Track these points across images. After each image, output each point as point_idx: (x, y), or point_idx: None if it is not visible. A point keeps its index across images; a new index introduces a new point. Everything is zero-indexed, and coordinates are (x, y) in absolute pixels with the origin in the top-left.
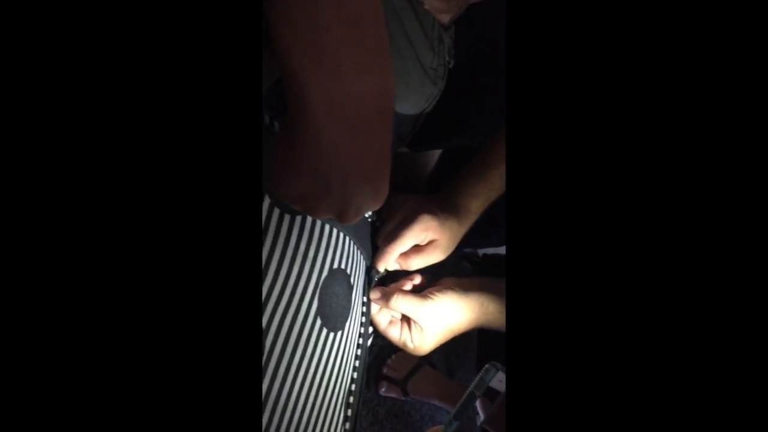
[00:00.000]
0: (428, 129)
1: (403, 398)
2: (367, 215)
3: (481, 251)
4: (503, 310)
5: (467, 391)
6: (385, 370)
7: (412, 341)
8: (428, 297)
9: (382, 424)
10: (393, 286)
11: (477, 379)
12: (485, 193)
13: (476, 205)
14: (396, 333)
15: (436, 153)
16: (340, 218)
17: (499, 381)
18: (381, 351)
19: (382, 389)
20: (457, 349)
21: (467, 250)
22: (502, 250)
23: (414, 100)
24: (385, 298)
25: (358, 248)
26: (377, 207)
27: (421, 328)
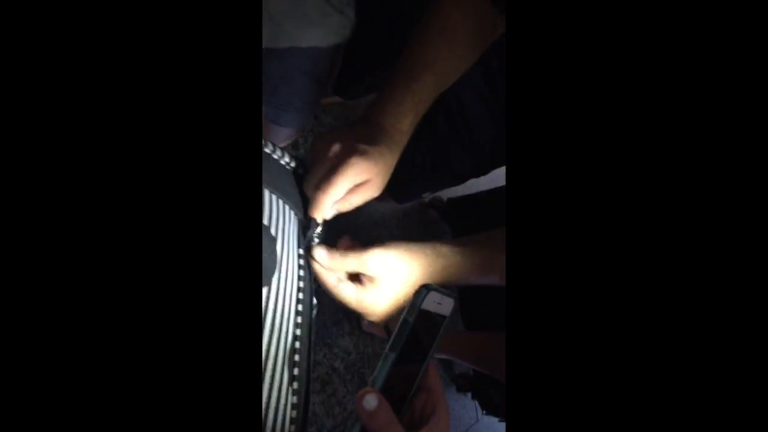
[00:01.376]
0: (352, 70)
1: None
2: (284, 162)
3: (444, 195)
4: (462, 263)
5: (400, 319)
6: None
7: (366, 299)
8: (375, 247)
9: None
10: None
11: (408, 304)
12: (414, 107)
13: (407, 123)
14: (349, 291)
15: None
16: None
17: (436, 303)
18: None
19: (365, 323)
20: None
21: (428, 195)
22: (463, 190)
23: (320, 33)
24: (329, 257)
25: (278, 198)
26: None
27: (373, 282)
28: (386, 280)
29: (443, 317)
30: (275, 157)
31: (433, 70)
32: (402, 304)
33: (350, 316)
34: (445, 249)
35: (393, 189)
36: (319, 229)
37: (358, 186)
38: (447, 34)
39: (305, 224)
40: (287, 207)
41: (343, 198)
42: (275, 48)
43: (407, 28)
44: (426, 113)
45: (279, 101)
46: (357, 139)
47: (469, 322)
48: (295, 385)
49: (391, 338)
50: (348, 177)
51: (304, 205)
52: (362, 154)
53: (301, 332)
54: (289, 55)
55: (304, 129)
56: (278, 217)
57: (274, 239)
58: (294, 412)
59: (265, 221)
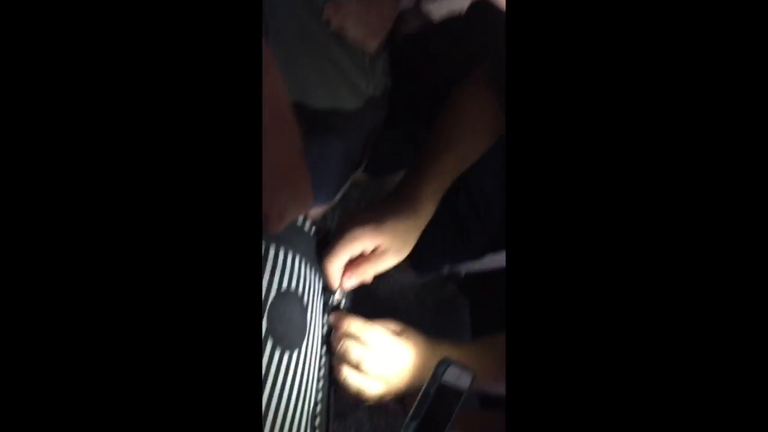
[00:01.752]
0: (379, 150)
1: (402, 412)
2: (315, 234)
3: (462, 269)
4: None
5: (422, 390)
6: None
7: (397, 348)
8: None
9: None
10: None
11: (430, 376)
12: (435, 178)
13: (429, 190)
14: (381, 337)
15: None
16: (264, 225)
17: (455, 377)
18: None
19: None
20: None
21: (447, 269)
22: (482, 264)
23: (356, 123)
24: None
25: (311, 268)
26: (302, 211)
27: (400, 333)
28: (409, 334)
29: (461, 391)
30: (309, 231)
31: (455, 150)
32: (417, 377)
33: None
34: (456, 352)
35: (413, 261)
36: (336, 297)
37: (369, 255)
38: (467, 122)
39: (325, 293)
40: (317, 276)
41: (355, 265)
42: (315, 133)
43: (430, 116)
44: (448, 188)
45: (315, 180)
46: (366, 210)
47: (485, 399)
48: None
49: (413, 408)
50: (344, 244)
51: None
52: (360, 222)
53: (322, 396)
54: (327, 140)
55: (333, 203)
56: (310, 285)
57: (305, 307)
58: None
59: (300, 289)
